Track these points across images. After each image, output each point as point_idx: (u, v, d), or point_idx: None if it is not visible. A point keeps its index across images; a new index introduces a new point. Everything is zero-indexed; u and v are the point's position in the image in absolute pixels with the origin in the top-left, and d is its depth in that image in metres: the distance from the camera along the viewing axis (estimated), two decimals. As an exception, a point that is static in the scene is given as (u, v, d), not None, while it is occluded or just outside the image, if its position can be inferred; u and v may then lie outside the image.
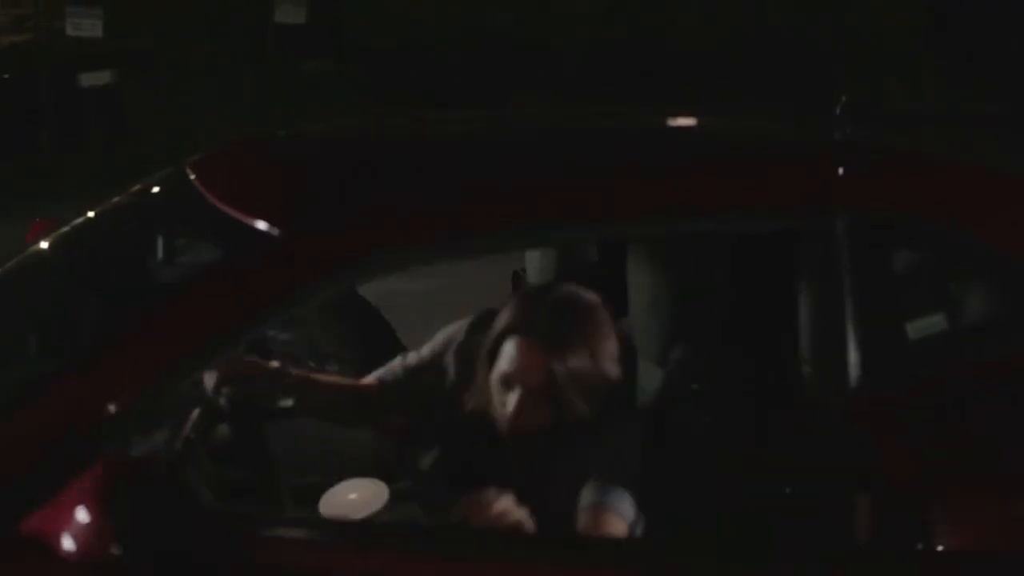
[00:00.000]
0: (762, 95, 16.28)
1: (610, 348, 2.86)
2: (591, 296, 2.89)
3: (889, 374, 2.67)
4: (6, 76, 17.80)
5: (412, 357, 3.27)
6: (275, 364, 3.14)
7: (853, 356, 2.63)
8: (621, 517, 2.72)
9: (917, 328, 2.84)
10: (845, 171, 2.84)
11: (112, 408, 2.37)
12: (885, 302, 2.76)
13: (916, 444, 2.52)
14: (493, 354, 2.86)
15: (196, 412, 2.80)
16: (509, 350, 2.81)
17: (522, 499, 2.57)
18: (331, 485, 2.79)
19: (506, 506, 2.52)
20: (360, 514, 2.67)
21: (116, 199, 3.44)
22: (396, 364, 3.27)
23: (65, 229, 3.33)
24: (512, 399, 2.81)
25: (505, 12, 22.00)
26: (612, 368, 2.86)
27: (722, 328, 3.14)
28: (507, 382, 2.82)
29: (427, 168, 2.90)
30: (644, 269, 3.12)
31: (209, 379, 2.94)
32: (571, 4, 30.26)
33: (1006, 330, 2.78)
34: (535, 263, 3.74)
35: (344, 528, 2.59)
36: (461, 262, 2.75)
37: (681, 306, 3.07)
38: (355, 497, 2.72)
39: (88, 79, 16.63)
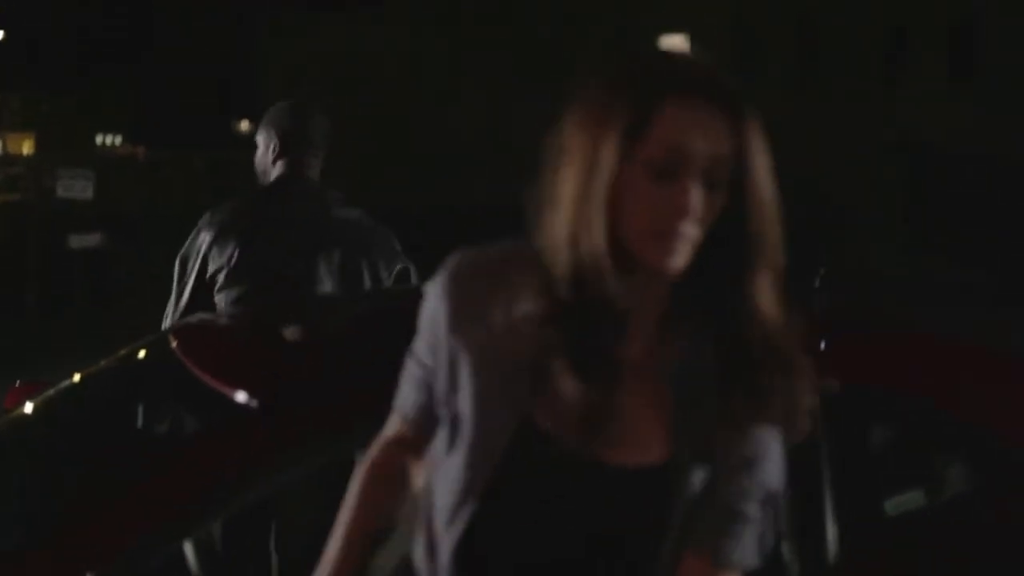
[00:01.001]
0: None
1: None
2: None
3: (866, 548, 2.68)
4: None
5: None
6: None
7: (831, 531, 2.64)
8: None
9: (895, 504, 2.87)
10: (826, 345, 2.88)
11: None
12: (863, 476, 2.77)
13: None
14: None
15: None
16: None
17: None
18: None
19: None
20: None
21: (101, 364, 3.45)
22: None
23: (49, 393, 3.34)
24: None
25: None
26: None
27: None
28: None
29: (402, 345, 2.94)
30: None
31: None
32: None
33: (980, 501, 2.81)
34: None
35: None
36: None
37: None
38: None
39: (77, 241, 16.73)
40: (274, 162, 4.44)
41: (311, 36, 48.56)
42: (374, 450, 2.16)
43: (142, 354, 3.39)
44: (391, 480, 2.13)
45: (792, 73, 36.05)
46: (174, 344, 3.10)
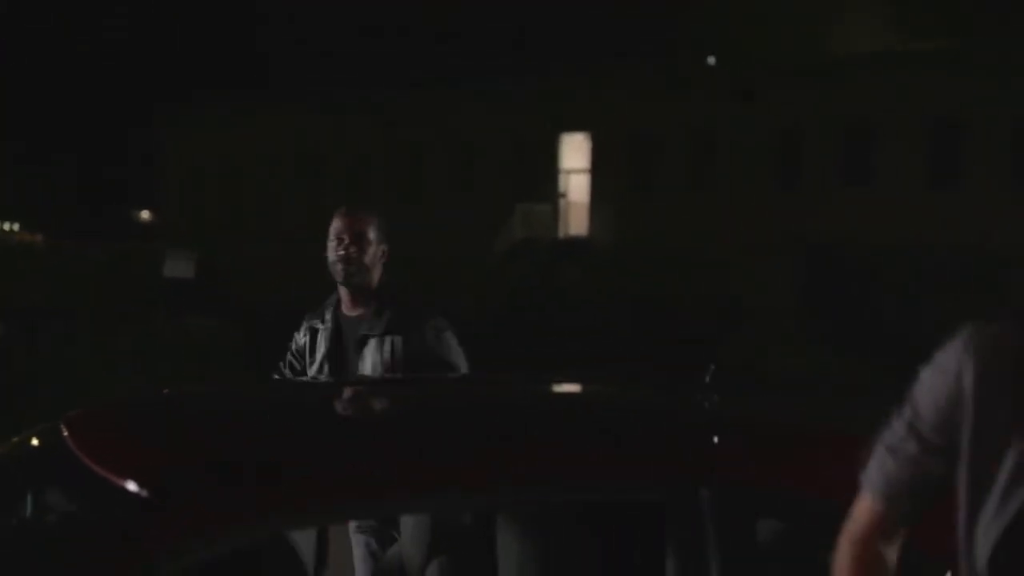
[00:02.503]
0: (637, 360, 16.56)
1: None
2: None
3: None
4: None
5: None
6: None
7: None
8: None
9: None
10: (716, 442, 2.92)
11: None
12: (751, 568, 2.80)
13: None
14: None
15: None
16: None
17: None
18: None
19: None
20: None
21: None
22: None
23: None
24: None
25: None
26: None
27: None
28: None
29: (300, 437, 2.95)
30: (513, 535, 3.15)
31: None
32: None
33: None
34: (409, 529, 3.76)
35: None
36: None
37: (548, 572, 3.10)
38: None
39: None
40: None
41: (207, 126, 48.50)
42: (856, 548, 2.28)
43: (34, 442, 3.36)
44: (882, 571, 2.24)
45: (690, 175, 36.53)
46: (65, 433, 3.08)
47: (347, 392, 3.85)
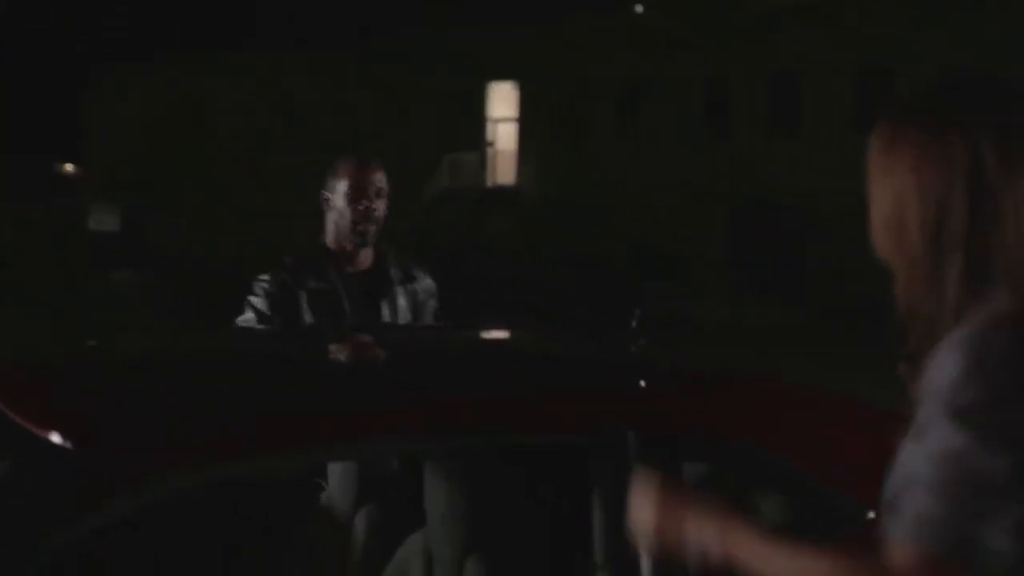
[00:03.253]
0: (566, 309, 16.62)
1: None
2: None
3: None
4: None
5: None
6: None
7: (645, 566, 2.70)
8: None
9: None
10: (642, 387, 2.96)
11: None
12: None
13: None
14: None
15: None
16: None
17: None
18: None
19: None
20: None
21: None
22: None
23: None
24: None
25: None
26: None
27: (517, 538, 3.19)
28: None
29: (222, 391, 2.95)
30: (440, 482, 3.17)
31: None
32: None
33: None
34: (336, 475, 3.77)
35: None
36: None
37: (476, 517, 3.12)
38: None
39: None
40: None
41: (133, 79, 47.98)
42: None
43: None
44: None
45: (618, 126, 36.56)
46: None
47: (279, 344, 3.84)
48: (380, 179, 4.51)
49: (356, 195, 4.46)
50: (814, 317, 18.19)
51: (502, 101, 39.66)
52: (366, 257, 4.54)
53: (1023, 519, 1.79)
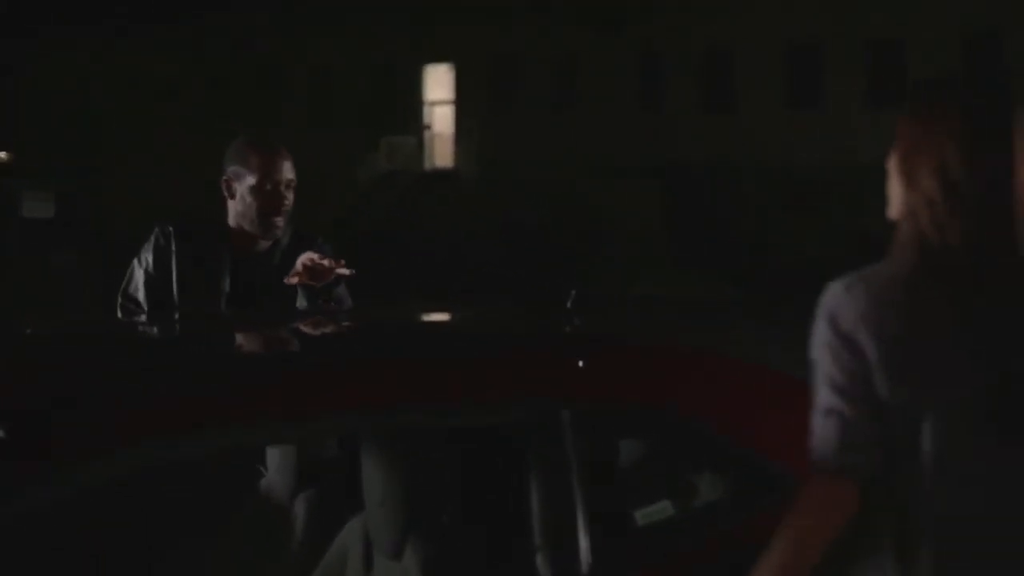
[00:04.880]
0: (504, 288, 16.63)
1: None
2: None
3: (619, 559, 2.76)
4: None
5: None
6: None
7: (584, 542, 2.71)
8: None
9: (646, 514, 2.95)
10: (579, 365, 2.96)
11: None
12: (614, 489, 2.85)
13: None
14: None
15: None
16: None
17: None
18: None
19: None
20: None
21: None
22: None
23: None
24: None
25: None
26: None
27: (456, 520, 3.20)
28: None
29: (161, 368, 2.93)
30: (377, 464, 3.16)
31: None
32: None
33: (728, 507, 2.91)
34: (275, 459, 3.76)
35: None
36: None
37: (414, 500, 3.12)
38: None
39: None
40: None
41: (59, 59, 47.49)
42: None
43: None
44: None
45: (551, 104, 36.58)
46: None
47: (209, 324, 3.82)
48: (290, 168, 4.25)
49: (269, 189, 4.17)
50: (746, 290, 18.31)
51: (438, 83, 39.56)
52: (264, 241, 4.26)
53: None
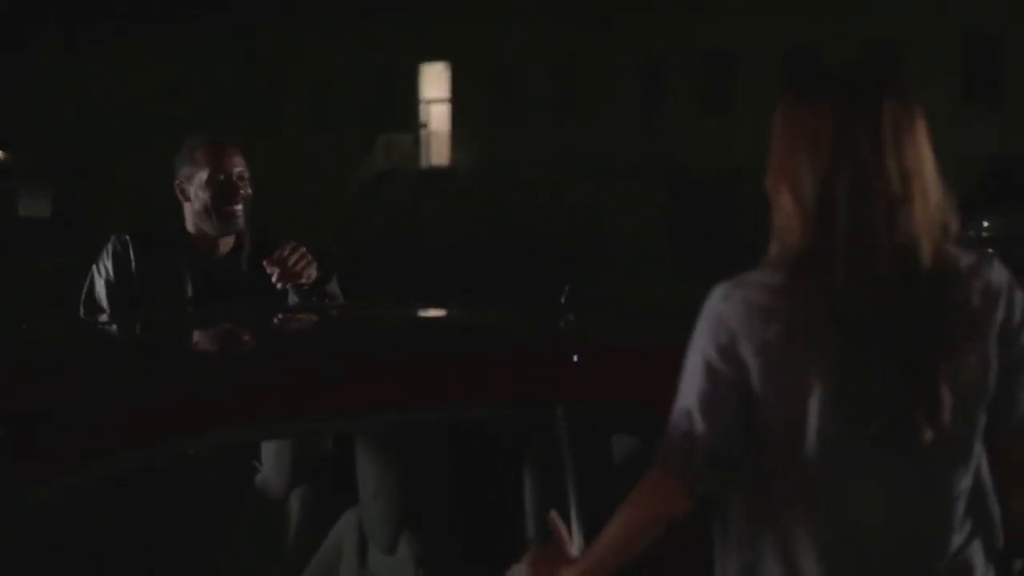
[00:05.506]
0: (501, 289, 16.65)
1: None
2: None
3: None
4: None
5: None
6: None
7: (577, 538, 2.71)
8: None
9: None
10: (573, 362, 2.97)
11: None
12: (607, 484, 2.86)
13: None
14: None
15: None
16: None
17: None
18: None
19: None
20: None
21: None
22: None
23: None
24: None
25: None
26: None
27: (450, 514, 3.21)
28: None
29: (157, 368, 2.94)
30: (371, 460, 3.17)
31: None
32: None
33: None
34: (270, 455, 3.77)
35: None
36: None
37: (408, 494, 3.13)
38: None
39: None
40: None
41: (60, 61, 47.50)
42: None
43: None
44: None
45: (550, 104, 36.58)
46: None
47: (205, 324, 3.83)
48: (240, 162, 4.19)
49: (222, 179, 4.13)
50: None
51: (435, 82, 39.58)
52: (225, 244, 4.23)
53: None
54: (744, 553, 2.34)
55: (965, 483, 2.30)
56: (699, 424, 2.28)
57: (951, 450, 2.27)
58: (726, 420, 2.27)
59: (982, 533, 2.33)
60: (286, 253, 3.99)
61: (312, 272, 4.00)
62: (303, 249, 4.01)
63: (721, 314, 2.29)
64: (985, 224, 17.57)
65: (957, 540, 2.29)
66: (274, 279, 3.98)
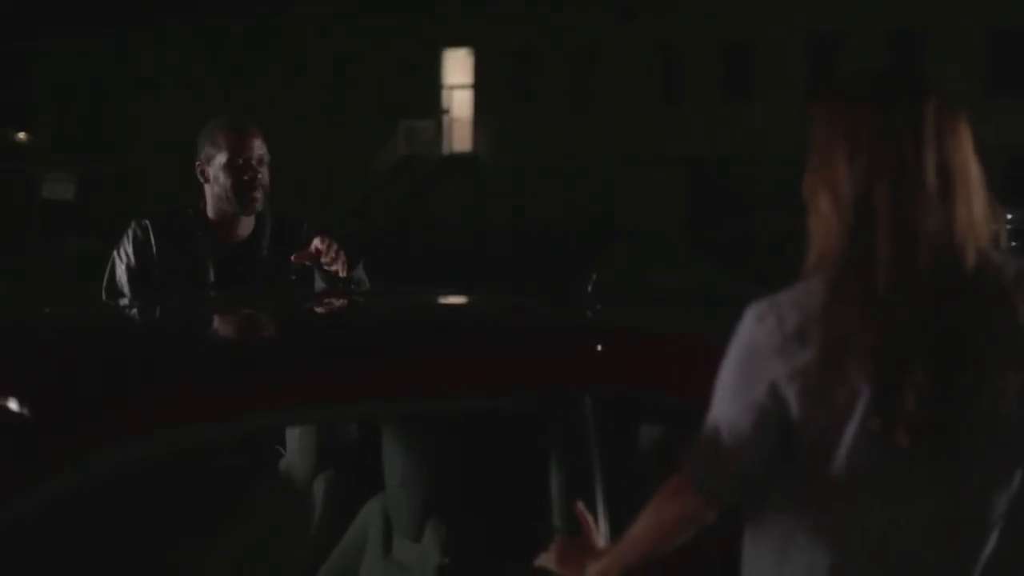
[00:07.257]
0: (524, 274, 16.64)
1: None
2: None
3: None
4: None
5: None
6: None
7: (603, 527, 2.71)
8: None
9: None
10: (599, 350, 2.97)
11: None
12: (633, 474, 2.86)
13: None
14: None
15: None
16: None
17: None
18: None
19: None
20: None
21: None
22: None
23: None
24: None
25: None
26: None
27: (475, 502, 3.21)
28: None
29: (183, 352, 2.95)
30: (398, 446, 3.18)
31: None
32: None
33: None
34: (295, 441, 3.78)
35: None
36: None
37: (434, 482, 3.13)
38: None
39: None
40: None
41: (84, 46, 47.56)
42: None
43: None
44: None
45: (570, 91, 36.54)
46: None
47: (227, 306, 3.83)
48: (260, 145, 4.22)
49: (241, 163, 4.16)
50: (765, 282, 18.21)
51: (457, 68, 39.56)
52: (246, 228, 4.27)
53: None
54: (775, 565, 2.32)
55: (1000, 508, 2.22)
56: (728, 444, 2.25)
57: (987, 473, 2.20)
58: (757, 445, 2.23)
59: (1018, 563, 2.26)
60: (322, 246, 3.99)
61: (343, 266, 4.02)
62: (336, 245, 4.01)
63: (755, 339, 2.23)
64: (1009, 216, 17.49)
65: (990, 567, 2.23)
66: (301, 258, 4.00)
